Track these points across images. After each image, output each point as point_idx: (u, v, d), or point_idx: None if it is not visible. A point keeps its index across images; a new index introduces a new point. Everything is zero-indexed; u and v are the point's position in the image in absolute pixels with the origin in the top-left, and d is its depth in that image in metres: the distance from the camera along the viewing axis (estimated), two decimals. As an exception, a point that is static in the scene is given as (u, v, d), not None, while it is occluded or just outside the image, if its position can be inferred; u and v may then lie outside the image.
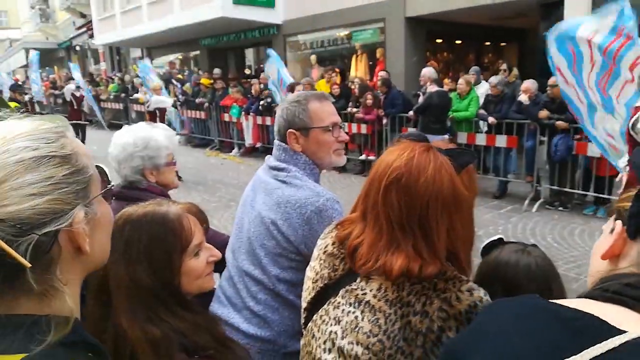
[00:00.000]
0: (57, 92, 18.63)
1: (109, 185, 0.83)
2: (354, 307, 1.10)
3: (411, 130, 7.22)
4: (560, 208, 6.51)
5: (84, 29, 23.95)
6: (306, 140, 1.67)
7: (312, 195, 1.57)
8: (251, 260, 1.65)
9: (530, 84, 6.87)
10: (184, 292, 1.16)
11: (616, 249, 0.83)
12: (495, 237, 1.42)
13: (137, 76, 18.24)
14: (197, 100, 12.49)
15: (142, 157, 1.89)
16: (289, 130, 1.66)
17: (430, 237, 1.05)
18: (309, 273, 1.25)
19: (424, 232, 1.05)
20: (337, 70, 11.10)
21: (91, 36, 21.97)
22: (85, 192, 0.73)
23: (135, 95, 14.86)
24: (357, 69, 11.94)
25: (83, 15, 23.69)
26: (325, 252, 1.21)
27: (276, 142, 1.72)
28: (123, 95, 15.88)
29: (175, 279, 1.14)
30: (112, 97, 16.20)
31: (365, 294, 1.09)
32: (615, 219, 0.85)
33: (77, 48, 26.84)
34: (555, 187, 6.60)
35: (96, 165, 0.80)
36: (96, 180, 0.77)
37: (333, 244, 1.20)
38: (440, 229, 1.05)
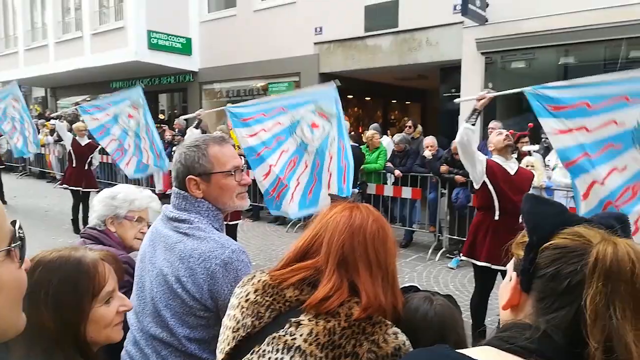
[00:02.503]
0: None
1: (13, 245, 0.72)
2: (283, 354, 1.09)
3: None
4: (461, 257, 6.94)
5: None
6: (208, 186, 1.59)
7: (217, 248, 1.50)
8: (157, 322, 1.54)
9: (431, 140, 7.42)
10: (89, 341, 1.14)
11: (514, 300, 0.87)
12: (408, 285, 1.47)
13: (39, 116, 17.19)
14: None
15: (107, 205, 2.18)
16: (189, 176, 1.58)
17: (396, 281, 1.22)
18: (228, 322, 1.21)
19: (393, 277, 1.21)
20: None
21: (-12, 72, 20.47)
22: None
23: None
24: (273, 119, 12.18)
25: (-20, 50, 22.09)
26: (247, 300, 1.19)
27: (175, 189, 1.63)
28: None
29: (81, 325, 1.12)
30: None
31: (295, 339, 1.09)
32: (513, 269, 0.89)
33: (-30, 83, 24.81)
34: (455, 237, 7.05)
35: (12, 221, 0.74)
36: None
37: (256, 291, 1.19)
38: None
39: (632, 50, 7.84)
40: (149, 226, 2.24)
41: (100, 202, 2.20)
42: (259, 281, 1.20)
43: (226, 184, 1.61)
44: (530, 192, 4.34)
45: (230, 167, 1.62)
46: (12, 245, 0.71)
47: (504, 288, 0.91)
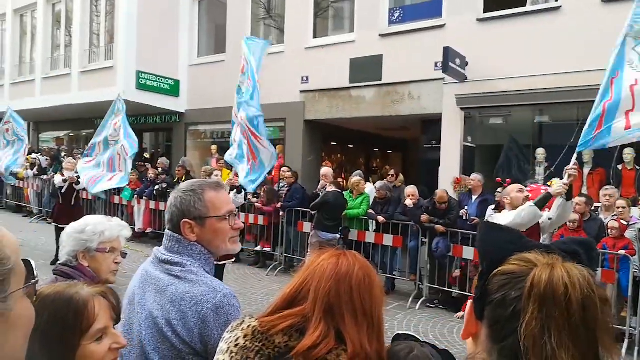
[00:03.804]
0: None
1: (33, 281, 0.76)
2: None
3: (325, 235, 7.50)
4: (441, 306, 7.01)
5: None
6: (202, 230, 1.62)
7: (209, 292, 1.50)
8: None
9: (412, 190, 7.63)
10: None
11: (471, 328, 0.87)
12: (405, 332, 1.54)
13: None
14: (86, 181, 11.89)
15: (76, 240, 2.09)
16: (184, 220, 1.61)
17: (381, 329, 1.22)
18: None
19: (379, 325, 1.22)
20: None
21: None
22: (1, 286, 0.68)
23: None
24: (257, 162, 12.32)
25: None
26: (237, 345, 1.20)
27: (168, 232, 1.65)
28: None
29: None
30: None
31: None
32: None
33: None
34: (435, 286, 7.14)
35: (23, 259, 0.76)
36: (18, 274, 0.72)
37: (245, 336, 1.20)
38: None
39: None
40: (122, 255, 2.23)
41: (69, 237, 2.11)
42: (248, 326, 1.21)
43: (220, 228, 1.65)
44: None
45: (225, 212, 1.66)
46: (30, 283, 0.74)
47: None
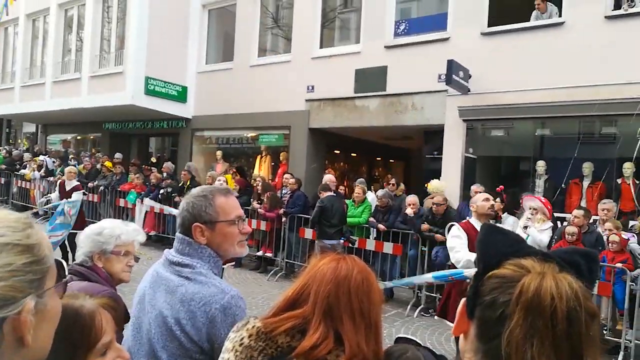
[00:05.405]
0: None
1: (65, 279, 0.84)
2: None
3: (329, 242, 7.55)
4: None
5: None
6: (212, 234, 1.69)
7: (218, 293, 1.57)
8: None
9: (413, 199, 7.73)
10: None
11: (462, 326, 0.88)
12: (404, 336, 1.53)
13: (27, 150, 17.22)
14: (90, 185, 12.05)
15: (94, 241, 2.19)
16: (195, 223, 1.67)
17: (379, 331, 1.27)
18: None
19: (376, 327, 1.26)
20: (234, 169, 11.23)
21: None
22: (40, 283, 0.73)
23: (22, 171, 13.96)
24: (261, 169, 12.45)
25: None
26: (241, 344, 1.25)
27: (179, 235, 1.71)
28: (4, 167, 14.86)
29: None
30: (-8, 169, 15.02)
31: None
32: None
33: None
34: (433, 294, 7.21)
35: (55, 259, 0.82)
36: (52, 272, 0.78)
37: (250, 336, 1.26)
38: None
39: (604, 127, 8.41)
40: (135, 259, 2.33)
41: (87, 238, 2.20)
42: (252, 327, 1.27)
43: (229, 232, 1.72)
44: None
45: (234, 217, 1.74)
46: (62, 281, 0.81)
47: None
